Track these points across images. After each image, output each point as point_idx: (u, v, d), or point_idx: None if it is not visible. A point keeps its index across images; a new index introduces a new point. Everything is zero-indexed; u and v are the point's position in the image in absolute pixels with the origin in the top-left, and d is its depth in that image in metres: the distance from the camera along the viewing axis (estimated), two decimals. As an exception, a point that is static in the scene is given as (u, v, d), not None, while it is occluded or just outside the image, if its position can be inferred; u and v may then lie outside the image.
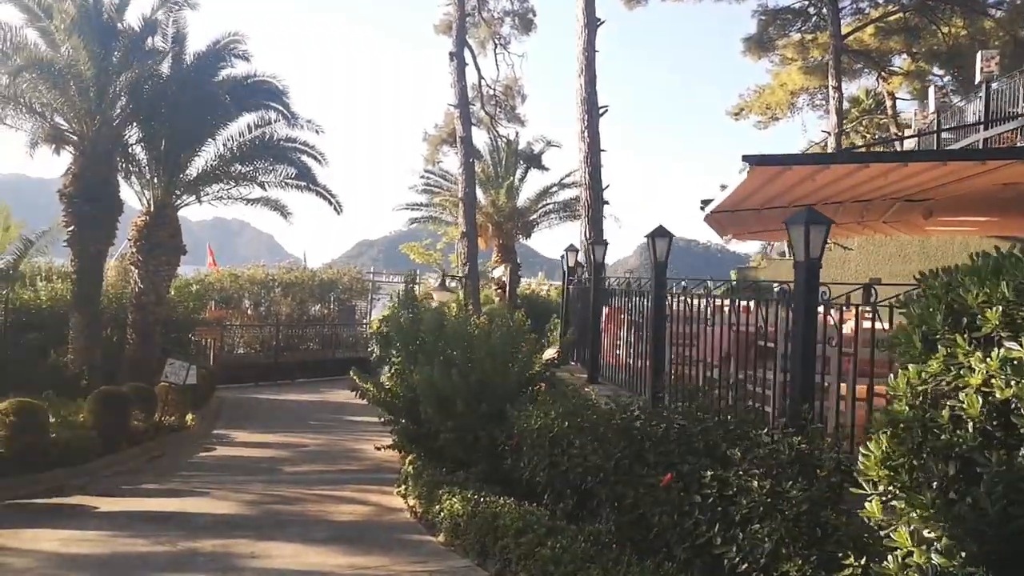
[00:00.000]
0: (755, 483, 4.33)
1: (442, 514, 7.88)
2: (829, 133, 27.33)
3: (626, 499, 5.23)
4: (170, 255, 18.38)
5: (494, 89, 31.31)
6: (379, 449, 10.82)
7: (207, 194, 19.59)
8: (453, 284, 32.82)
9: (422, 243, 37.50)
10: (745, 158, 11.20)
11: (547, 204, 27.21)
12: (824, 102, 39.33)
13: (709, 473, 4.58)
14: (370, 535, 8.41)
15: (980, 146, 15.44)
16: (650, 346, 7.14)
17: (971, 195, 13.87)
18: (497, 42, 30.86)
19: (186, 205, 19.30)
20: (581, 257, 20.14)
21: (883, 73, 30.64)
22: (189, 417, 15.61)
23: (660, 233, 7.69)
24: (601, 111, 20.58)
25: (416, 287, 32.71)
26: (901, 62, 31.45)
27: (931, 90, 18.37)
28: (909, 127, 33.40)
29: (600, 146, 20.49)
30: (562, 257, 13.89)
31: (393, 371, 10.59)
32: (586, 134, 20.29)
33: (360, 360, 28.65)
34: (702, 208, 14.81)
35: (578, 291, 11.19)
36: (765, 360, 6.46)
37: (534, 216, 27.32)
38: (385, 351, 27.32)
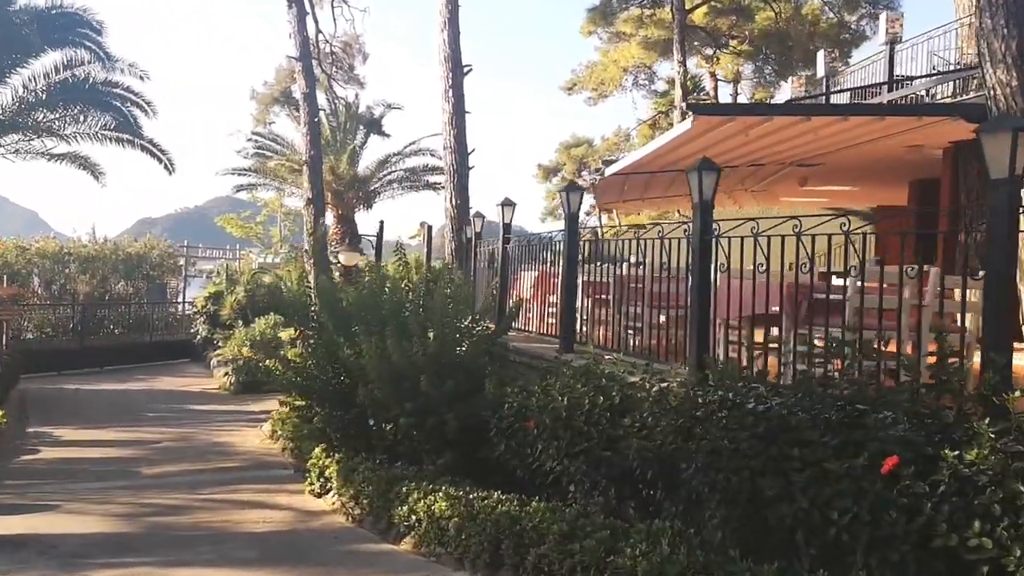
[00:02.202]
0: (1045, 462, 3.36)
1: (413, 517, 6.38)
2: (674, 107, 27.56)
3: (762, 491, 4.11)
4: (-45, 219, 15.07)
5: (332, 46, 28.87)
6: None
7: (1, 147, 16.34)
8: (275, 260, 30.28)
9: (240, 215, 34.45)
10: (690, 107, 10.53)
11: (391, 172, 25.39)
12: (647, 82, 40.41)
13: (951, 453, 3.57)
14: (312, 549, 6.75)
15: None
16: (693, 299, 6.02)
17: (859, 160, 14.11)
18: (335, -8, 28.36)
19: (-27, 158, 15.95)
20: (447, 226, 18.83)
21: (718, 53, 31.48)
22: (-1, 414, 12.74)
23: (703, 175, 6.19)
24: (465, 70, 19.24)
25: (240, 262, 30.11)
26: (726, 43, 32.43)
27: (820, 54, 18.63)
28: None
29: (465, 107, 19.14)
30: (475, 216, 12.48)
31: (312, 345, 8.80)
32: (451, 94, 18.83)
33: (181, 343, 25.72)
34: (599, 171, 14.03)
35: (522, 251, 9.81)
36: (825, 316, 5.58)
37: (376, 185, 25.42)
38: (212, 332, 24.63)
